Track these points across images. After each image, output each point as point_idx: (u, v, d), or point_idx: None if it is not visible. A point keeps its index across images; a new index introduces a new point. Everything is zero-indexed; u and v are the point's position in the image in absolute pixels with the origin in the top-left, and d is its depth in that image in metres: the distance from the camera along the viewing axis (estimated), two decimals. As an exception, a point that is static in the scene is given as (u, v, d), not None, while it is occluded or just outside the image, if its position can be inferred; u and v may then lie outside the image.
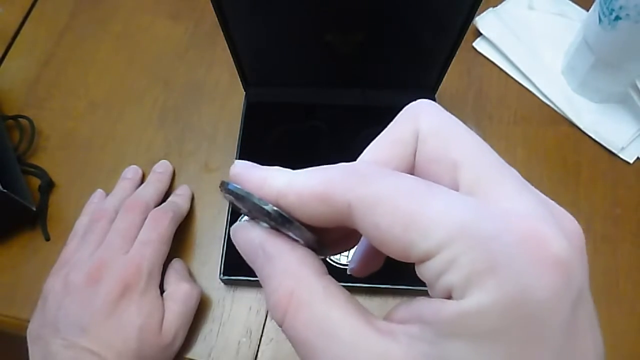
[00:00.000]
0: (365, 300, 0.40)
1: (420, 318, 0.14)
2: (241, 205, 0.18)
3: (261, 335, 0.39)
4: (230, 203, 0.21)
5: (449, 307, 0.13)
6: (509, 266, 0.12)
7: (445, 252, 0.13)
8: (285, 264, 0.16)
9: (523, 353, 0.12)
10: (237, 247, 0.19)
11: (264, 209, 0.16)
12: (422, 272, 0.14)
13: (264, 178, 0.16)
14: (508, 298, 0.12)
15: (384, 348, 0.14)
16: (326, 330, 0.14)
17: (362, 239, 0.20)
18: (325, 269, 0.16)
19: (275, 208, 0.16)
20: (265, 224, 0.17)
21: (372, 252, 0.20)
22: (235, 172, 0.17)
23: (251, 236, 0.17)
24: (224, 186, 0.17)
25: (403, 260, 0.14)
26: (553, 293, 0.12)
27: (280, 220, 0.16)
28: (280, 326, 0.15)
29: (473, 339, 0.13)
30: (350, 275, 0.33)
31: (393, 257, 0.14)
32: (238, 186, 0.17)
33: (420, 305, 0.14)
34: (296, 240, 0.17)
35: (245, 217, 0.19)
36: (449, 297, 0.13)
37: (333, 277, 0.34)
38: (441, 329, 0.13)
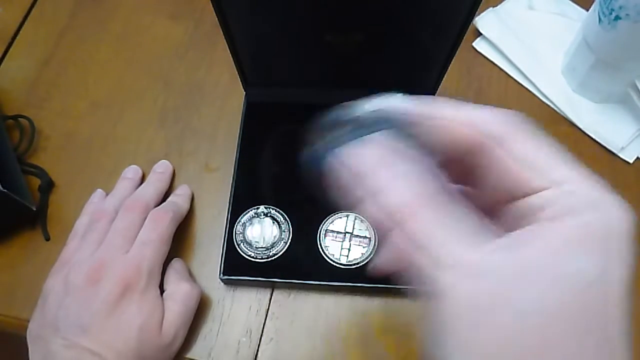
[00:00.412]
0: (366, 300, 0.40)
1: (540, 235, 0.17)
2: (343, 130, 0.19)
3: (261, 335, 0.39)
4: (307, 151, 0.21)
5: (566, 221, 0.17)
6: (606, 205, 0.17)
7: (565, 186, 0.17)
8: (407, 173, 0.18)
9: (613, 265, 0.16)
10: (338, 168, 0.20)
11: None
12: (529, 202, 0.18)
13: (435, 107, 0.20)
14: (607, 221, 0.17)
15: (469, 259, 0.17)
16: (420, 243, 0.17)
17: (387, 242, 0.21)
18: (441, 185, 0.18)
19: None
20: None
21: (398, 255, 0.21)
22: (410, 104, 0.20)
23: (368, 151, 0.19)
24: (357, 106, 0.19)
25: (503, 197, 0.18)
26: (629, 231, 0.17)
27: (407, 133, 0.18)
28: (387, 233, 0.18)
29: (584, 246, 0.16)
30: (349, 276, 0.33)
31: (498, 191, 0.19)
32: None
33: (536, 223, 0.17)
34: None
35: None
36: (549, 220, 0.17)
37: (334, 276, 0.35)
38: (560, 240, 0.16)
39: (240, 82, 0.45)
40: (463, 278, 0.16)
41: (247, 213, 0.42)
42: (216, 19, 0.36)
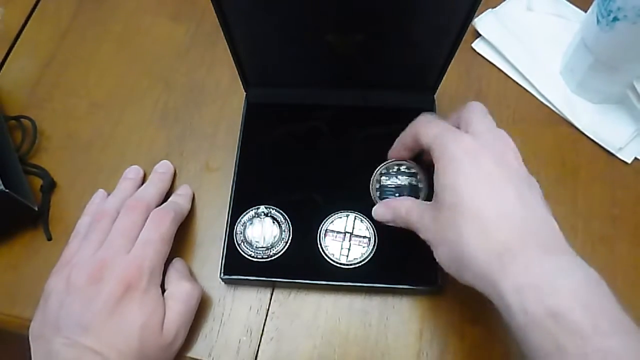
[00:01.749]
0: (365, 300, 0.40)
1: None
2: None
3: (261, 334, 0.39)
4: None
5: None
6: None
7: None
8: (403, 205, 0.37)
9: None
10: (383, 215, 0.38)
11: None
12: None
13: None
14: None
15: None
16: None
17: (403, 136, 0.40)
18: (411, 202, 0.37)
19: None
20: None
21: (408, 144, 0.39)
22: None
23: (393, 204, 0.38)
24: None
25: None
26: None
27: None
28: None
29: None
30: (349, 276, 0.34)
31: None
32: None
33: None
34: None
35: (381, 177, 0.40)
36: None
37: (334, 276, 0.36)
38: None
39: (241, 83, 0.45)
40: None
41: (247, 213, 0.42)
42: (217, 19, 0.36)
